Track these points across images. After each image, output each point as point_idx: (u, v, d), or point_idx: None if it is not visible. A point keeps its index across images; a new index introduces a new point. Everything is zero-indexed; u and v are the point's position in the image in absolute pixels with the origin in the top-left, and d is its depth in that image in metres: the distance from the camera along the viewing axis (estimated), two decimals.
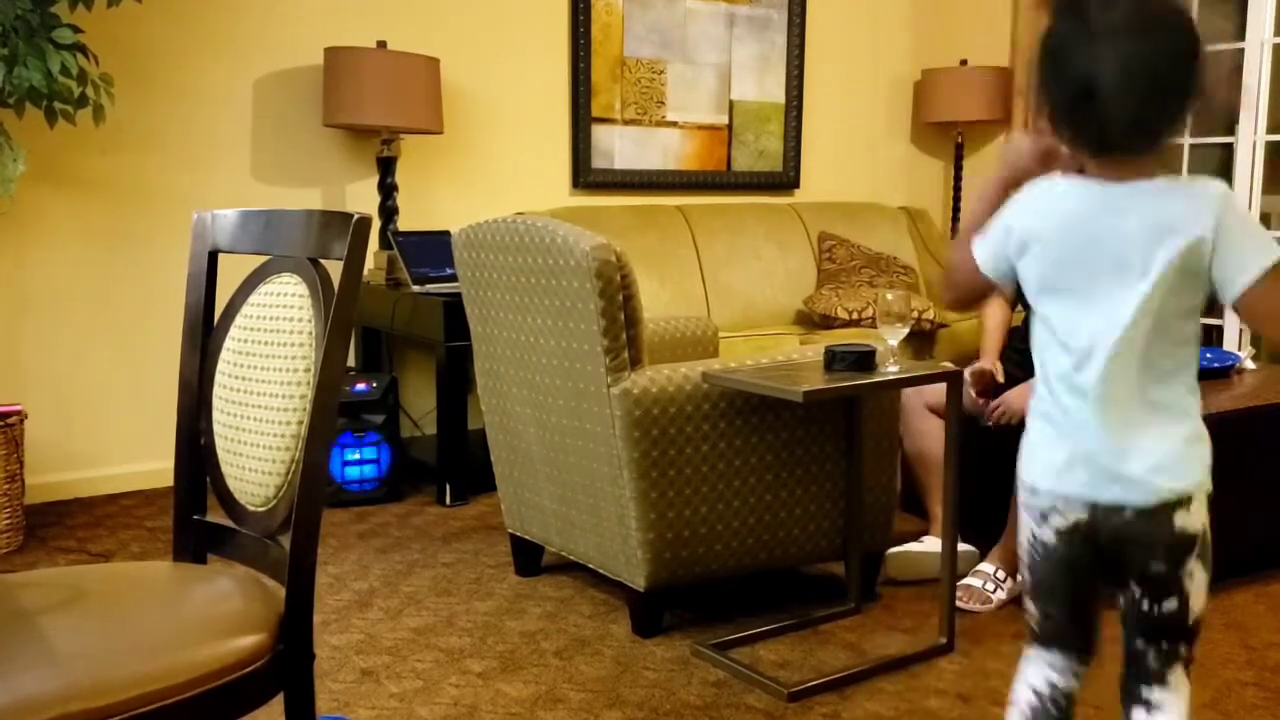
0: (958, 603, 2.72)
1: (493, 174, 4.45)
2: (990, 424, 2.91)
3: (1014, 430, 2.79)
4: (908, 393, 2.98)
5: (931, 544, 2.90)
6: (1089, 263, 1.39)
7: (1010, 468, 1.62)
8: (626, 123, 4.70)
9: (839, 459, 2.69)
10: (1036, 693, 1.55)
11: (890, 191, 5.46)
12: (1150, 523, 1.41)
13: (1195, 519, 1.42)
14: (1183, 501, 1.41)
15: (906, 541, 2.96)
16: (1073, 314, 1.41)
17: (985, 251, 1.49)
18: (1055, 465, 1.45)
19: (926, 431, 2.95)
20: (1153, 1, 1.34)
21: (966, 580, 2.78)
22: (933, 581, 2.85)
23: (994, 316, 3.14)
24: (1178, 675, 1.49)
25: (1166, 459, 1.40)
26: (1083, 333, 1.40)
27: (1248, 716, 2.22)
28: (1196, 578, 1.44)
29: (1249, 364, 3.49)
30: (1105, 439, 1.40)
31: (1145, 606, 1.47)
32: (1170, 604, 1.45)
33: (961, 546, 2.88)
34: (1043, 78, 1.38)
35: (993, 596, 2.76)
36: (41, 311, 3.69)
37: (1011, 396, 2.88)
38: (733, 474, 2.56)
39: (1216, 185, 1.36)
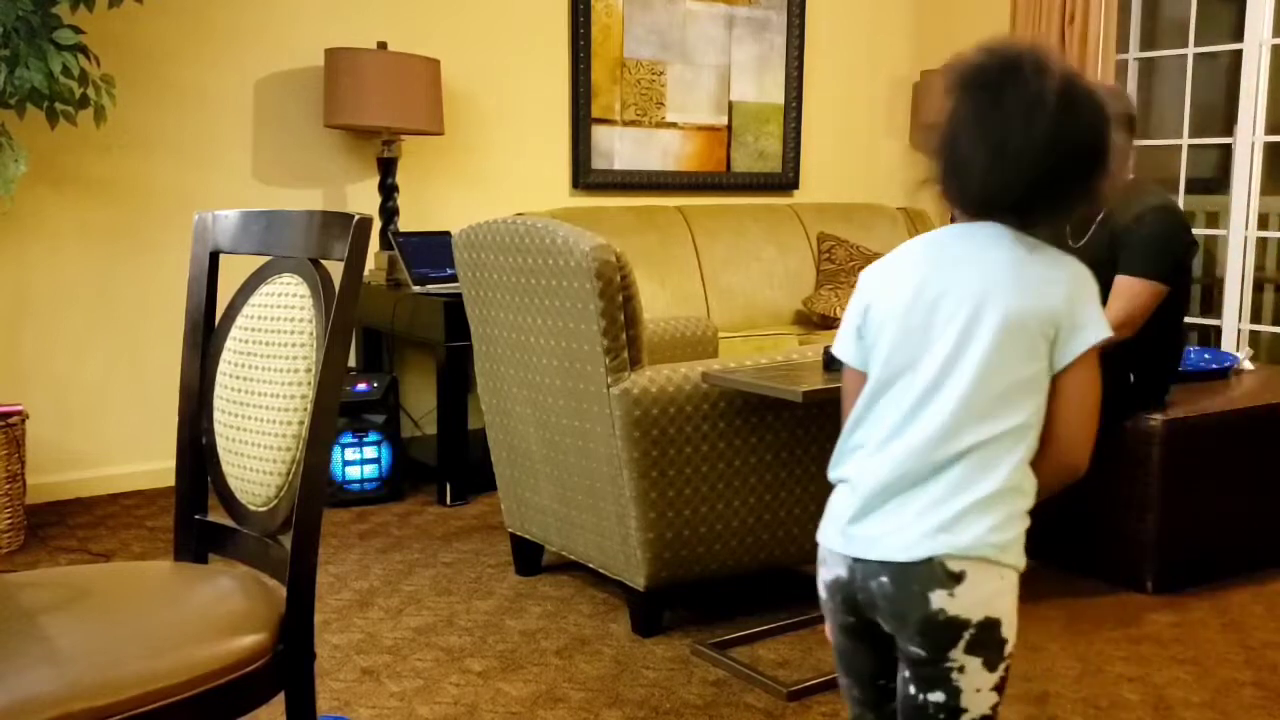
0: None
1: (493, 175, 4.46)
2: None
3: None
4: None
5: None
6: None
7: None
8: (626, 124, 4.71)
9: None
10: None
11: (889, 192, 5.47)
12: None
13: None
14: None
15: None
16: None
17: None
18: None
19: None
20: (1081, 98, 1.27)
21: None
22: None
23: None
24: None
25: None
26: None
27: (1245, 716, 2.23)
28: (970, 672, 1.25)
29: (1247, 365, 3.49)
30: None
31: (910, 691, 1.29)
32: (932, 694, 1.27)
33: None
34: (959, 153, 1.31)
35: None
36: (42, 311, 3.70)
37: None
38: (733, 474, 2.56)
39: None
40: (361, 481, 3.68)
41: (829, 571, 1.33)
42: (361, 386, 3.70)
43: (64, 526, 3.45)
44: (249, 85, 3.97)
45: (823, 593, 1.35)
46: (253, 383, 1.56)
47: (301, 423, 1.48)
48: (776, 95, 5.09)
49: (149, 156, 3.83)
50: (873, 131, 5.44)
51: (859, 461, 1.32)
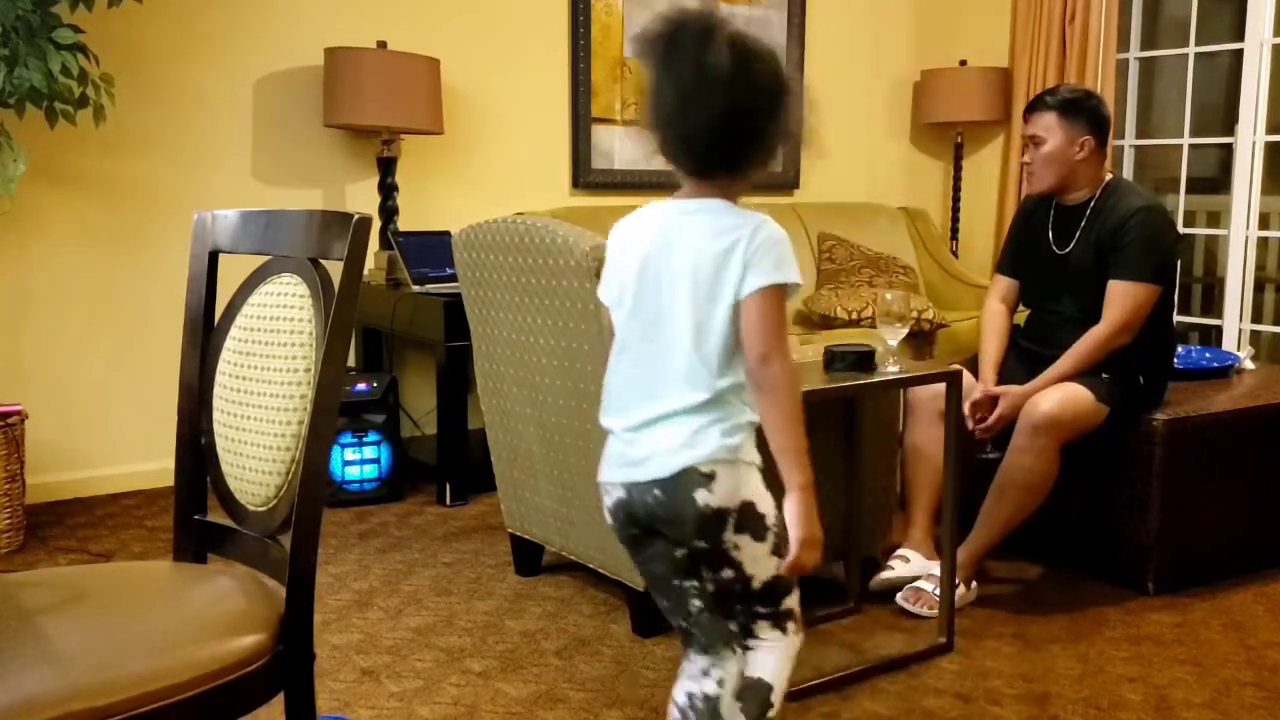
0: (905, 605, 2.71)
1: (493, 174, 4.46)
2: (990, 455, 2.86)
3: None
4: (920, 396, 2.92)
5: (916, 563, 2.82)
6: None
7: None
8: (626, 123, 4.71)
9: (839, 459, 2.69)
10: (678, 705, 1.65)
11: (890, 192, 5.47)
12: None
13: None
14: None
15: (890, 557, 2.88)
16: None
17: None
18: None
19: (936, 437, 2.84)
20: (758, 53, 1.51)
21: (919, 583, 2.75)
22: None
23: (995, 325, 3.04)
24: (764, 629, 1.61)
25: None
26: None
27: (1246, 716, 2.23)
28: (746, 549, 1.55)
29: (1248, 364, 3.49)
30: None
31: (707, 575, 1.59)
32: (724, 573, 1.57)
33: (932, 564, 2.83)
34: (662, 113, 1.53)
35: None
36: (42, 311, 3.70)
37: (1007, 407, 2.82)
38: None
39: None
40: (361, 481, 3.67)
41: (610, 498, 1.60)
42: (361, 386, 3.69)
43: (64, 526, 3.45)
44: (249, 85, 3.97)
45: (609, 519, 1.62)
46: (252, 382, 1.56)
47: (301, 422, 1.48)
48: None
49: (149, 156, 3.82)
50: (873, 131, 5.44)
51: (619, 411, 1.58)
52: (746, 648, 1.63)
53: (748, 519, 1.53)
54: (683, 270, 1.53)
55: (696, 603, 1.60)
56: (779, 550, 1.56)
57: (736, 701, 1.61)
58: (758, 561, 1.55)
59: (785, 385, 1.52)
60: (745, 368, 1.53)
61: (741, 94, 1.49)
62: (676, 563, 1.58)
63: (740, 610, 1.61)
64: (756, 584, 1.57)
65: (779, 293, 1.52)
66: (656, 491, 1.53)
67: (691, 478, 1.51)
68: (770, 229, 1.53)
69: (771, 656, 1.61)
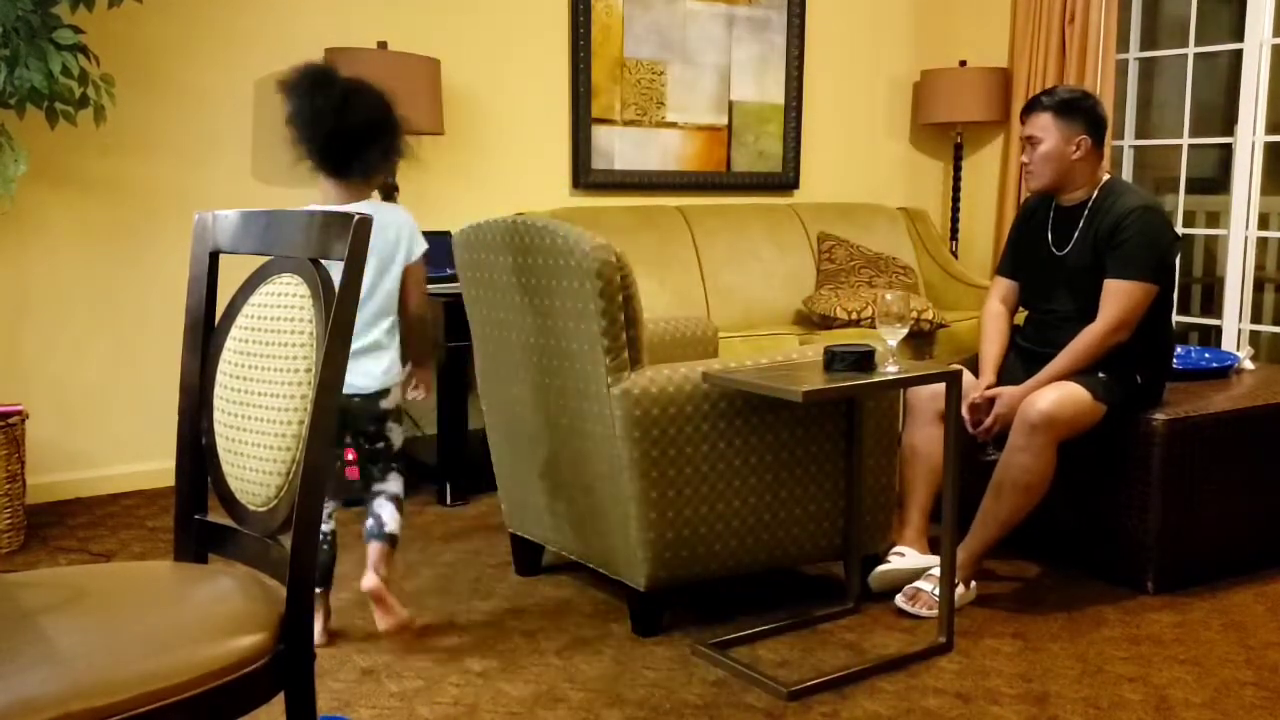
0: (904, 606, 2.71)
1: (493, 174, 4.46)
2: (991, 456, 2.86)
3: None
4: (919, 396, 2.94)
5: (912, 558, 2.84)
6: None
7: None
8: (626, 123, 4.71)
9: (839, 459, 2.69)
10: (324, 534, 2.44)
11: (889, 192, 5.47)
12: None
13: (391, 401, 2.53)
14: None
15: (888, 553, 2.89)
16: None
17: None
18: None
19: (934, 437, 2.87)
20: (365, 90, 2.37)
21: (918, 583, 2.75)
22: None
23: (995, 326, 3.02)
24: (393, 474, 2.56)
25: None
26: None
27: (1246, 716, 2.23)
28: (395, 431, 2.55)
29: (1248, 364, 3.49)
30: None
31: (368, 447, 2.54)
32: (379, 444, 2.54)
33: (927, 558, 2.85)
34: (300, 133, 2.37)
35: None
36: (42, 311, 3.70)
37: (1003, 408, 2.83)
38: (733, 474, 2.56)
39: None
40: None
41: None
42: None
43: (64, 526, 3.45)
44: (249, 85, 3.97)
45: None
46: (253, 383, 1.56)
47: (301, 422, 1.48)
48: (776, 95, 5.09)
49: (149, 156, 3.83)
50: (873, 131, 5.44)
51: None
52: (384, 483, 2.55)
53: (398, 414, 2.53)
54: (373, 256, 2.38)
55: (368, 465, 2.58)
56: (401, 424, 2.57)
57: (393, 505, 2.52)
58: (399, 436, 2.54)
59: (428, 317, 2.59)
60: (405, 310, 2.50)
61: (345, 120, 2.32)
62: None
63: (382, 465, 2.54)
64: (395, 449, 2.55)
65: (425, 257, 2.50)
66: (357, 399, 2.43)
67: (382, 393, 2.46)
68: (409, 216, 2.49)
69: (398, 484, 2.55)
